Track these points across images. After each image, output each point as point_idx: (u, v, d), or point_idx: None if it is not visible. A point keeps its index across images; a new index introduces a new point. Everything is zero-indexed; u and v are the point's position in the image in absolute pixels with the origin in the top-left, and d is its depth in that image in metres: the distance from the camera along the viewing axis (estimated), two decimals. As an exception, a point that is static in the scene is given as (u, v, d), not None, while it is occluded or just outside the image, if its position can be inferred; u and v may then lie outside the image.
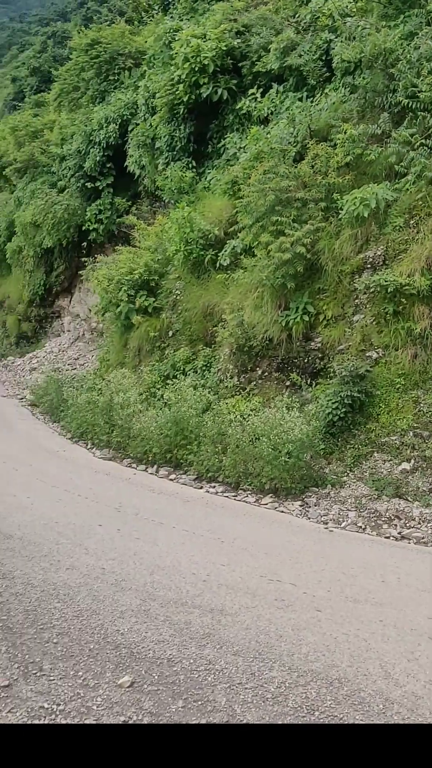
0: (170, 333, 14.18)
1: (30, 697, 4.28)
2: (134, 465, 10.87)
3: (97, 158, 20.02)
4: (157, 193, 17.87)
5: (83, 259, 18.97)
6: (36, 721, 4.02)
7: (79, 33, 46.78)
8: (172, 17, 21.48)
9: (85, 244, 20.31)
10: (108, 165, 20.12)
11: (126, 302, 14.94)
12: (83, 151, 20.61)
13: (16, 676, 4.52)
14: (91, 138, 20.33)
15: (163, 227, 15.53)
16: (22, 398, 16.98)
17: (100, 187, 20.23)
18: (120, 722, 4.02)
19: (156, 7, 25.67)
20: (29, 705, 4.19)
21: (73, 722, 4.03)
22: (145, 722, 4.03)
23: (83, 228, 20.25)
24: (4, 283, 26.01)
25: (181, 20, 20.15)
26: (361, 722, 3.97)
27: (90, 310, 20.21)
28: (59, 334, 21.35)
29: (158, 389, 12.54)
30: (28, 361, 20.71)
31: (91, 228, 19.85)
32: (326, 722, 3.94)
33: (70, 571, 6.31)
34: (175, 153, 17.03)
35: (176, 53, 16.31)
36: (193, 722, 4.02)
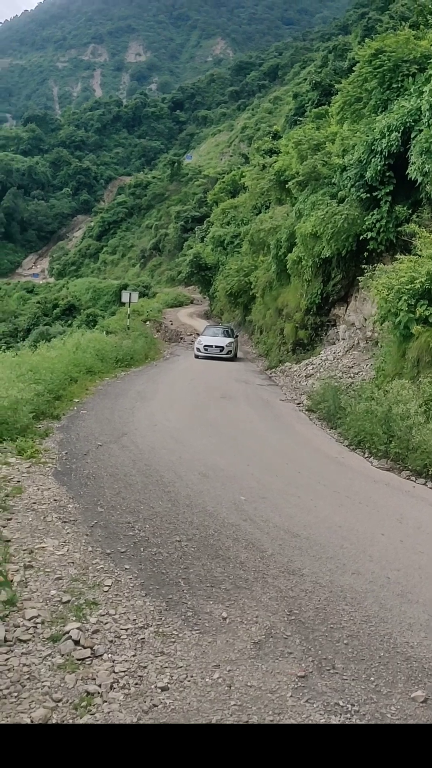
0: (452, 344, 13.75)
1: (325, 692, 4.48)
2: (413, 478, 10.71)
3: (378, 167, 19.96)
4: (440, 199, 17.43)
5: (363, 266, 19.06)
6: (333, 718, 4.20)
7: (359, 44, 46.89)
8: (461, 17, 20.81)
9: (365, 254, 20.32)
10: (388, 174, 19.96)
11: (406, 312, 14.72)
12: (364, 161, 20.67)
13: (311, 669, 4.75)
14: (372, 147, 20.33)
15: (447, 234, 15.10)
16: (299, 403, 17.47)
17: (379, 196, 20.15)
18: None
19: (444, 9, 25.03)
20: (325, 699, 4.39)
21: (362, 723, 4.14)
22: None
23: (361, 237, 20.31)
24: (284, 292, 26.99)
25: (472, 18, 19.45)
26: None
27: (365, 319, 20.22)
28: (334, 342, 21.63)
29: (439, 401, 12.23)
30: (304, 368, 21.27)
31: (369, 237, 19.86)
32: None
33: (356, 576, 6.43)
34: (461, 158, 16.48)
35: (466, 53, 15.73)
36: None
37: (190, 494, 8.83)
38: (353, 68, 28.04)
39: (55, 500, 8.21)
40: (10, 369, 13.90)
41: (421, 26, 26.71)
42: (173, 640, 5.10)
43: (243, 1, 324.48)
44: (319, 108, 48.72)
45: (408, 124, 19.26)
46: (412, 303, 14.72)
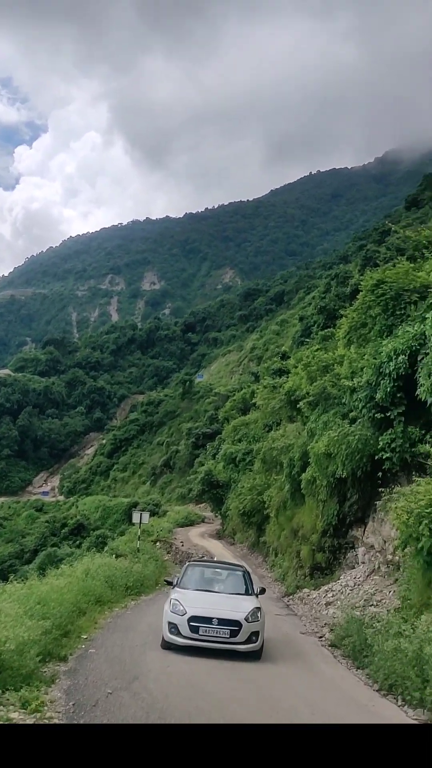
0: None
1: None
2: (455, 730, 9.65)
3: (388, 389, 20.31)
4: (453, 421, 17.51)
5: (380, 489, 18.79)
6: None
7: (360, 273, 49.99)
8: (456, 253, 22.19)
9: (380, 474, 20.13)
10: (399, 395, 20.28)
11: (428, 537, 14.20)
12: (373, 383, 21.10)
13: None
14: (380, 370, 20.83)
15: (463, 456, 14.95)
16: (321, 636, 16.35)
17: (392, 417, 20.32)
18: None
19: (438, 243, 26.87)
20: None
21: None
22: None
23: (376, 457, 20.22)
24: (298, 513, 26.51)
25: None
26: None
27: (385, 542, 19.61)
28: (353, 566, 20.81)
29: (472, 638, 11.35)
30: (323, 595, 20.24)
31: (385, 457, 19.77)
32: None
33: None
34: (469, 380, 16.77)
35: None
36: None
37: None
38: (356, 293, 29.70)
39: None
40: (18, 603, 13.19)
41: (418, 259, 28.55)
42: None
43: (249, 237, 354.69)
44: (325, 330, 51.21)
45: (414, 348, 19.86)
46: (434, 527, 14.24)
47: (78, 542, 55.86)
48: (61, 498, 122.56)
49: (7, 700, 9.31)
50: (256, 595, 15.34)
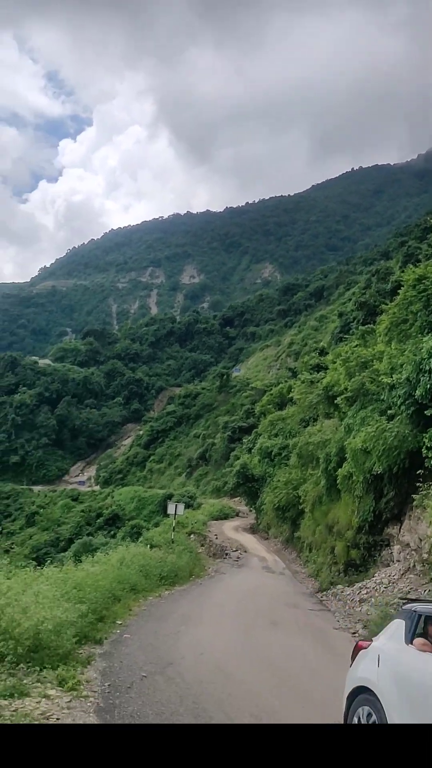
0: None
1: None
2: None
3: (428, 386, 20.10)
4: None
5: (417, 484, 18.64)
6: None
7: (401, 269, 49.45)
8: None
9: (420, 471, 19.90)
10: (439, 392, 20.06)
11: (465, 535, 14.10)
12: (413, 380, 20.89)
13: None
14: (421, 367, 20.62)
15: None
16: (354, 632, 16.33)
17: (431, 414, 20.10)
18: None
19: None
20: None
21: None
22: None
23: (424, 455, 19.99)
24: (334, 508, 26.37)
25: None
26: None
27: (420, 540, 19.44)
28: (388, 564, 20.67)
29: None
30: (357, 591, 20.14)
31: (429, 455, 19.55)
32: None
33: None
34: None
35: None
36: None
37: (243, 743, 7.96)
38: (397, 290, 29.45)
39: (95, 746, 7.45)
40: (55, 586, 13.41)
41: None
42: None
43: (290, 231, 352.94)
44: (365, 326, 50.70)
45: (456, 346, 19.66)
46: (471, 526, 14.13)
47: (113, 532, 56.35)
48: (97, 488, 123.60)
49: (45, 677, 9.50)
50: None
